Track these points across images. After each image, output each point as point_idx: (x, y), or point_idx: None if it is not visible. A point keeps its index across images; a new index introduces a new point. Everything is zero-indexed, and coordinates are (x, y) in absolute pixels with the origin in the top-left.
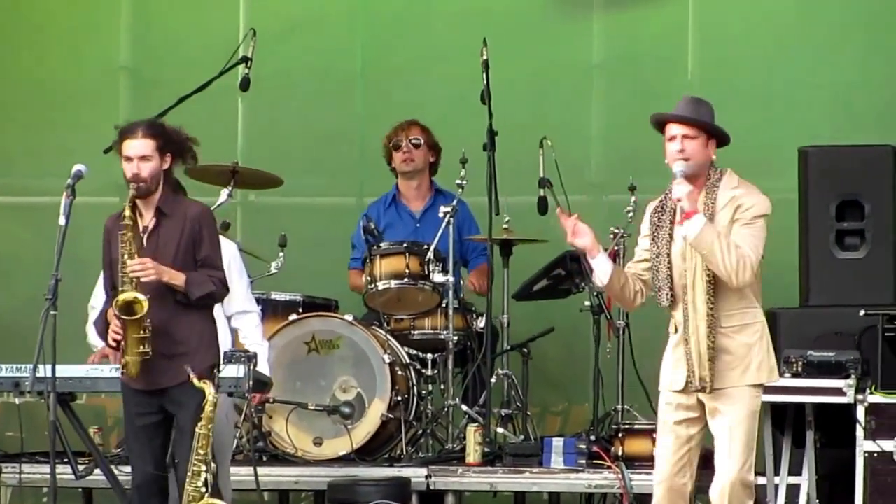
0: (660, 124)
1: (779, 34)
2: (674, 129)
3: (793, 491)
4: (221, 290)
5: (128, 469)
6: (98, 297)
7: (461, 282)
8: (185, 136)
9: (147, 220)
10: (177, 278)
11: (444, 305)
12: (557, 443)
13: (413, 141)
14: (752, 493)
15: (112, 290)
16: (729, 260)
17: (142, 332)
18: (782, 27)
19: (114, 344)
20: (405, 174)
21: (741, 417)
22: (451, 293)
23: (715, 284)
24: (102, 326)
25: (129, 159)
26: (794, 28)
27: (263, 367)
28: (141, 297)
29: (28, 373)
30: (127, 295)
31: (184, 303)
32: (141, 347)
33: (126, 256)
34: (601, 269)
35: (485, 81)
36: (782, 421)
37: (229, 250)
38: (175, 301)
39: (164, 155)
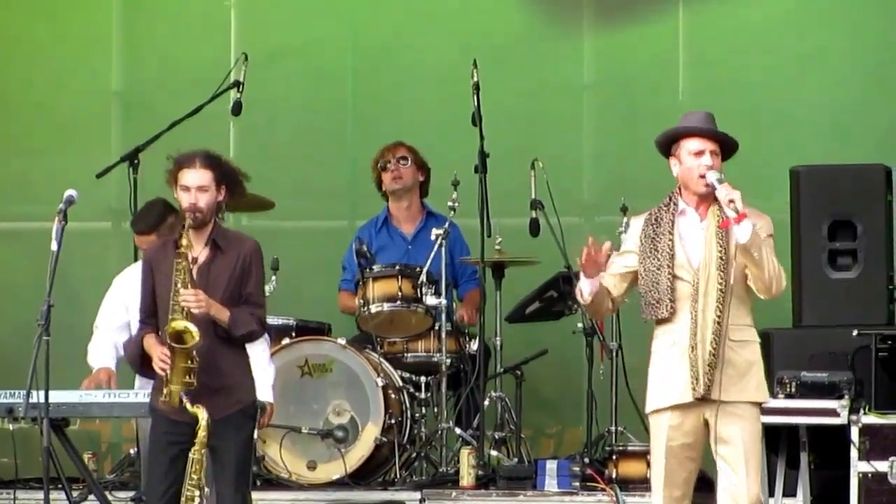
0: (673, 140)
1: (769, 55)
2: (701, 143)
3: None
4: (261, 330)
5: (121, 494)
6: (105, 318)
7: (453, 305)
8: (238, 170)
9: (198, 251)
10: (222, 313)
11: (436, 328)
12: (551, 465)
13: (401, 160)
14: None
15: (150, 317)
16: (773, 266)
17: (189, 361)
18: (773, 48)
19: (159, 371)
20: (395, 193)
21: (753, 438)
22: (443, 316)
23: (725, 295)
24: (135, 352)
25: (186, 189)
26: (785, 49)
27: (268, 392)
28: (192, 327)
29: (21, 399)
30: (178, 324)
31: (224, 338)
32: (187, 377)
33: (179, 285)
34: (588, 287)
35: (475, 104)
36: (776, 442)
37: None
38: (216, 335)
39: (220, 187)
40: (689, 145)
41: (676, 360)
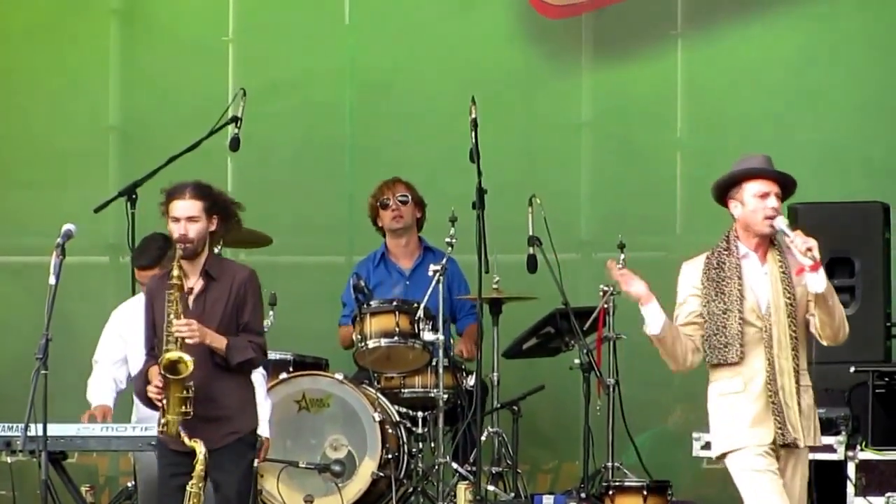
0: (736, 181)
1: (766, 92)
2: (766, 186)
3: None
4: (260, 357)
5: None
6: (102, 352)
7: (451, 340)
8: (231, 199)
9: (192, 281)
10: (219, 342)
11: (434, 363)
12: (548, 500)
13: (400, 198)
14: None
15: (152, 349)
16: (840, 313)
17: (184, 391)
18: (770, 84)
19: (157, 401)
20: (394, 232)
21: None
22: (440, 351)
23: (797, 341)
24: (141, 385)
25: (176, 220)
26: (782, 86)
27: (264, 427)
28: (186, 357)
29: (20, 432)
30: (172, 354)
31: (222, 367)
32: (183, 407)
33: (172, 316)
34: (653, 318)
35: (473, 140)
36: None
37: None
38: (214, 364)
39: (211, 216)
40: (753, 187)
41: (748, 404)
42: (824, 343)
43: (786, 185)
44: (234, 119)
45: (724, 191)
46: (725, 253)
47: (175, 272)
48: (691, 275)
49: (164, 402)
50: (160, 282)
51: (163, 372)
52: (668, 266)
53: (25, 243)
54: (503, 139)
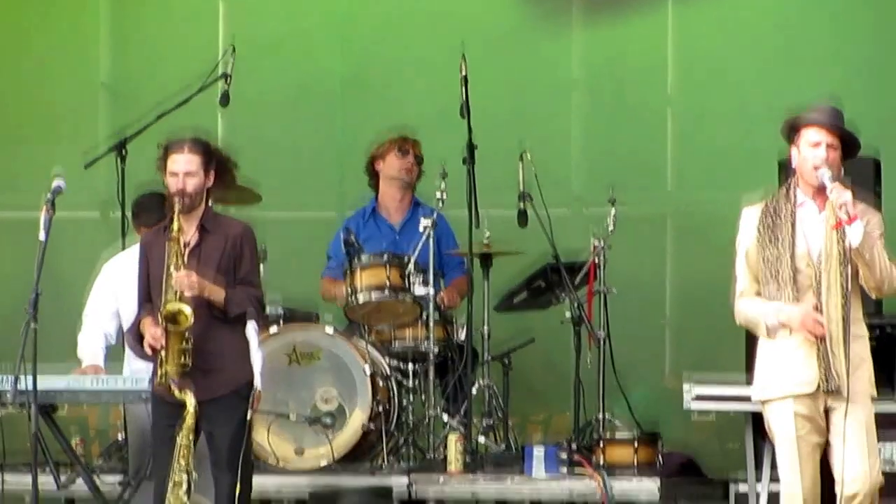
0: (795, 128)
1: (757, 50)
2: (818, 135)
3: (774, 498)
4: (258, 309)
5: (109, 479)
6: (93, 307)
7: (441, 294)
8: (228, 155)
9: (189, 235)
10: (217, 293)
11: (424, 317)
12: (539, 451)
13: (418, 155)
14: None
15: (147, 302)
16: (884, 266)
17: (184, 343)
18: (760, 43)
19: (149, 352)
20: (398, 182)
21: (871, 426)
22: (431, 305)
23: (848, 290)
24: (134, 336)
25: (174, 174)
26: (773, 44)
27: (256, 378)
28: (186, 309)
29: (9, 385)
30: (173, 305)
31: (220, 318)
32: (182, 359)
33: (172, 268)
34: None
35: (464, 96)
36: (763, 428)
37: None
38: (212, 316)
39: (208, 171)
40: (808, 135)
41: (794, 349)
42: (872, 295)
43: (847, 142)
44: (225, 75)
45: (789, 137)
46: (784, 199)
47: (175, 224)
48: (749, 221)
49: (163, 353)
50: (156, 234)
51: (162, 323)
52: (659, 221)
53: (15, 199)
54: (494, 96)
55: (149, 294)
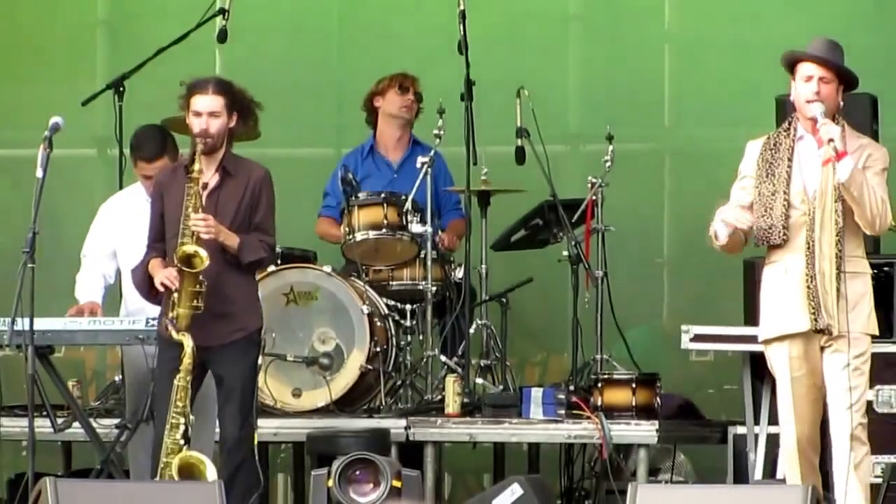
0: (792, 63)
1: None
2: (811, 69)
3: (773, 440)
4: (270, 257)
5: (106, 421)
6: (91, 246)
7: (438, 233)
8: (251, 98)
9: (208, 177)
10: (232, 239)
11: (422, 256)
12: (536, 393)
13: (418, 92)
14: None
15: (157, 241)
16: (875, 203)
17: (198, 286)
18: None
19: (162, 290)
20: (397, 120)
21: (864, 364)
22: (429, 243)
23: (843, 227)
24: (141, 276)
25: (198, 114)
26: None
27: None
28: (202, 251)
29: (6, 326)
30: (189, 248)
31: (233, 264)
32: (195, 301)
33: (190, 209)
34: (723, 232)
35: (461, 32)
36: (762, 369)
37: None
38: (225, 261)
39: (231, 113)
40: (802, 69)
41: (790, 288)
42: (866, 232)
43: (843, 76)
44: (222, 11)
45: (791, 72)
46: (784, 134)
47: (196, 166)
48: (751, 154)
49: (176, 294)
50: (171, 174)
51: (178, 264)
52: (656, 158)
53: (13, 136)
54: (492, 31)
55: (160, 234)
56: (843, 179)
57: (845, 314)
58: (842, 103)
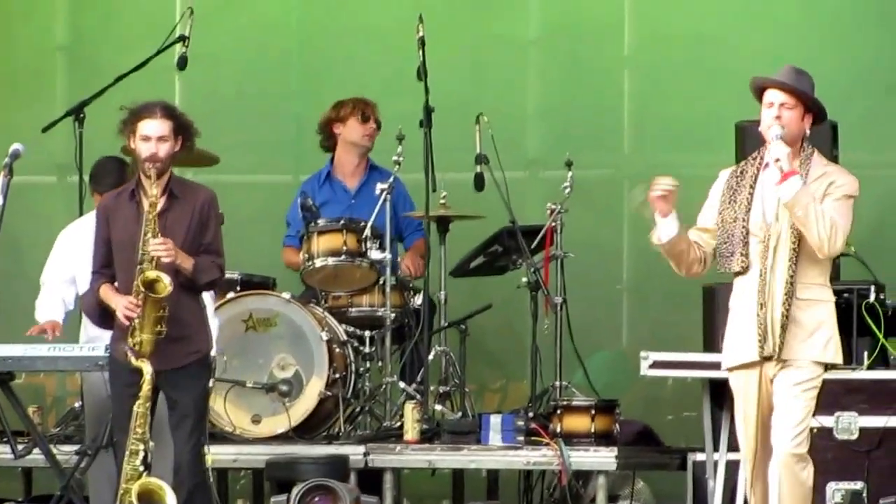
0: (759, 90)
1: (715, 9)
2: (772, 95)
3: (732, 466)
4: (223, 277)
5: (66, 447)
6: (51, 272)
7: (398, 259)
8: (191, 121)
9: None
10: (187, 262)
11: (381, 282)
12: (495, 420)
13: (378, 120)
14: (806, 465)
15: (104, 267)
16: (823, 226)
17: (161, 311)
18: (719, 2)
19: (124, 321)
20: (357, 147)
21: (807, 393)
22: (388, 270)
23: (798, 253)
24: (92, 303)
25: (146, 139)
26: (731, 3)
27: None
28: (165, 277)
29: None
30: (150, 273)
31: (185, 286)
32: (158, 326)
33: (149, 235)
34: (665, 229)
35: (421, 58)
36: (721, 396)
37: None
38: (178, 284)
39: (177, 137)
40: (766, 96)
41: (746, 316)
42: (817, 255)
43: (808, 105)
44: (182, 38)
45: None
46: (752, 162)
47: (154, 191)
48: (720, 181)
49: (138, 321)
50: (115, 199)
51: (142, 290)
52: (616, 184)
53: None
54: (451, 58)
55: (107, 259)
56: (785, 200)
57: (796, 341)
58: (807, 131)
